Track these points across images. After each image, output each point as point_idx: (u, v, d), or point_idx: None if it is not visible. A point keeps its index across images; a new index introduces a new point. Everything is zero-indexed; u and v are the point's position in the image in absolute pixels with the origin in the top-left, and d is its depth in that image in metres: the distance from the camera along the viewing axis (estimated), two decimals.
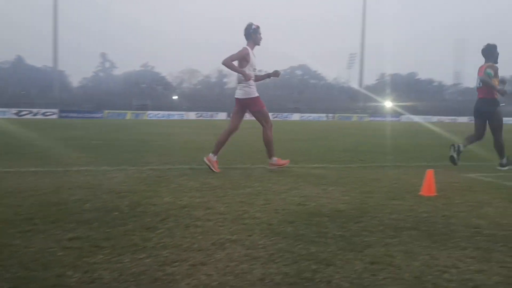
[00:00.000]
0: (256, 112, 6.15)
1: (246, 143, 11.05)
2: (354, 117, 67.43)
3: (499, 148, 6.65)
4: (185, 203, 3.79)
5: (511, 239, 2.88)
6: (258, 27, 6.14)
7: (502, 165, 6.59)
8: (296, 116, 65.72)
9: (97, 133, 16.35)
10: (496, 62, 6.67)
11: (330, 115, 67.33)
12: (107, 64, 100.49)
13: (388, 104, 72.18)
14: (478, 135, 6.80)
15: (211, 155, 5.97)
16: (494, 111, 6.60)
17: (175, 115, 59.52)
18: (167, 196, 4.06)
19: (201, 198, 4.02)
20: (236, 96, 6.17)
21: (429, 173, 4.41)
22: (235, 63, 5.99)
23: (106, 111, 53.91)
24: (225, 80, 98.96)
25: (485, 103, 6.66)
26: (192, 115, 60.56)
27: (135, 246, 2.60)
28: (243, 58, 6.01)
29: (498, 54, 6.69)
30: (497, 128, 6.65)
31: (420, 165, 6.80)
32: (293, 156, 7.69)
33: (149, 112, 59.10)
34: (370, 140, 14.14)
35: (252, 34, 6.11)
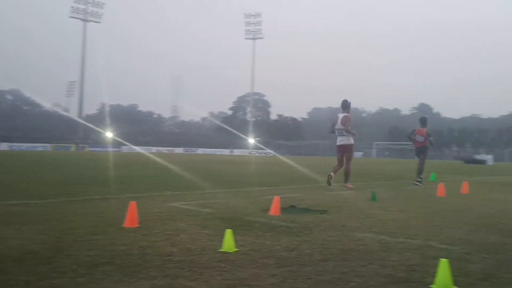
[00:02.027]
0: (349, 154, 9.78)
1: None
2: (73, 147, 64.61)
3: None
4: None
5: (197, 263, 3.15)
6: (350, 102, 9.98)
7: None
8: (4, 146, 58.42)
9: None
10: None
11: (47, 145, 62.67)
12: None
13: (109, 134, 71.70)
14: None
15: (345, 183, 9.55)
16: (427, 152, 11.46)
17: None
18: None
19: None
20: (339, 144, 9.78)
21: (132, 205, 4.50)
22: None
23: None
24: None
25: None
26: None
27: None
28: (349, 121, 9.69)
29: None
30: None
31: (130, 196, 6.87)
32: None
33: None
34: (86, 172, 13.67)
35: (348, 107, 9.91)
